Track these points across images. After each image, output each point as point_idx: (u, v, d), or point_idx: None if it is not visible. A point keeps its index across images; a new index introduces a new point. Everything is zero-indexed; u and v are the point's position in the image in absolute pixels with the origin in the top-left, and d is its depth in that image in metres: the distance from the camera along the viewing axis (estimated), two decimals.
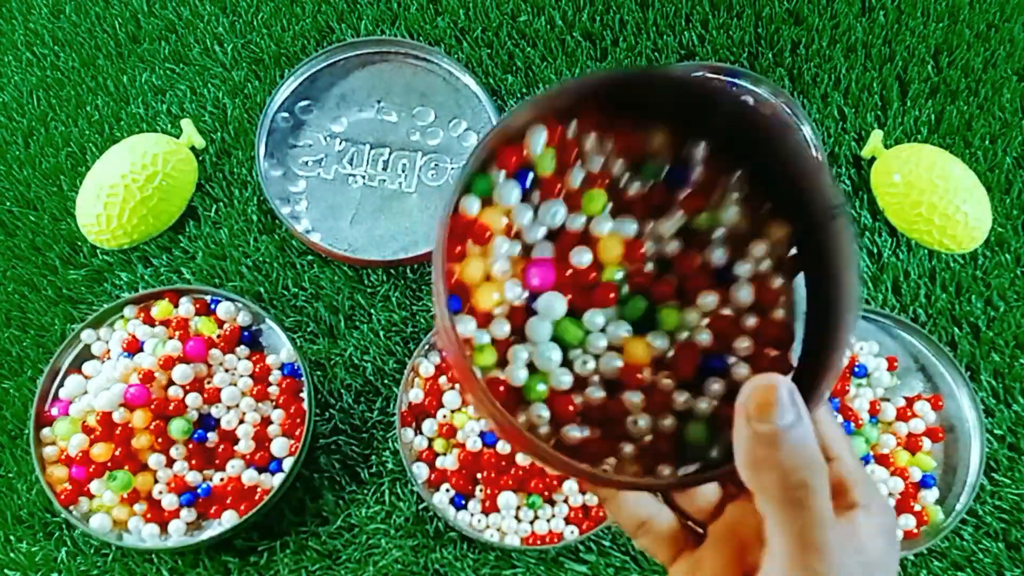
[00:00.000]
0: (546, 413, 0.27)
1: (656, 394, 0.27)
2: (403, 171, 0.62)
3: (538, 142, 0.27)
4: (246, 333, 0.58)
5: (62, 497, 0.53)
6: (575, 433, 0.27)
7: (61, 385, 0.56)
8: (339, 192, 0.61)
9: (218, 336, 0.57)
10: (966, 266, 0.60)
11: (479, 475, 0.54)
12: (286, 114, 0.63)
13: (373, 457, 0.57)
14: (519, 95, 0.64)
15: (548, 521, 0.54)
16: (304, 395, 0.56)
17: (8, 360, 0.59)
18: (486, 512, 0.54)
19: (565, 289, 0.28)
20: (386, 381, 0.58)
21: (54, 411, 0.55)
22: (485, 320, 0.28)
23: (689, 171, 0.28)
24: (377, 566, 0.54)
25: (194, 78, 0.65)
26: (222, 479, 0.54)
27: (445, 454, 0.55)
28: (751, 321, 0.28)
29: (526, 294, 0.28)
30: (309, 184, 0.61)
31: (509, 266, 0.28)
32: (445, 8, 0.66)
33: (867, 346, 0.57)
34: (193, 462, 0.54)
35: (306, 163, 0.62)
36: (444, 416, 0.56)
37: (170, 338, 0.56)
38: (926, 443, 0.56)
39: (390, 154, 0.62)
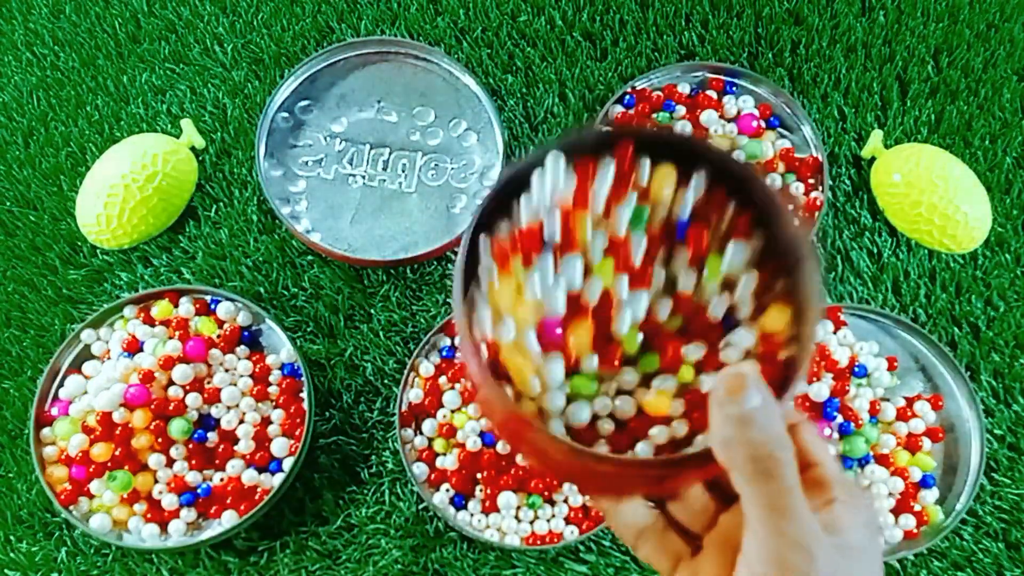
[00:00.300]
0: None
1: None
2: (403, 171, 0.62)
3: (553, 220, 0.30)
4: (246, 333, 0.58)
5: (62, 497, 0.53)
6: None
7: (61, 385, 0.56)
8: (339, 192, 0.61)
9: (218, 336, 0.57)
10: (966, 266, 0.60)
11: (479, 475, 0.54)
12: (286, 114, 0.63)
13: (373, 457, 0.57)
14: (519, 95, 0.64)
15: (548, 521, 0.54)
16: (304, 395, 0.56)
17: (8, 360, 0.59)
18: (486, 512, 0.54)
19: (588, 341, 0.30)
20: (386, 381, 0.58)
21: (54, 411, 0.55)
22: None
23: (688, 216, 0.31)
24: (377, 566, 0.54)
25: (194, 78, 0.65)
26: (222, 479, 0.54)
27: (445, 454, 0.55)
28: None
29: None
30: (309, 184, 0.61)
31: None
32: (445, 8, 0.66)
33: (867, 346, 0.57)
34: (193, 462, 0.54)
35: (306, 163, 0.62)
36: (444, 416, 0.56)
37: (170, 338, 0.56)
38: (926, 443, 0.56)
39: (390, 154, 0.62)
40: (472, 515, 0.54)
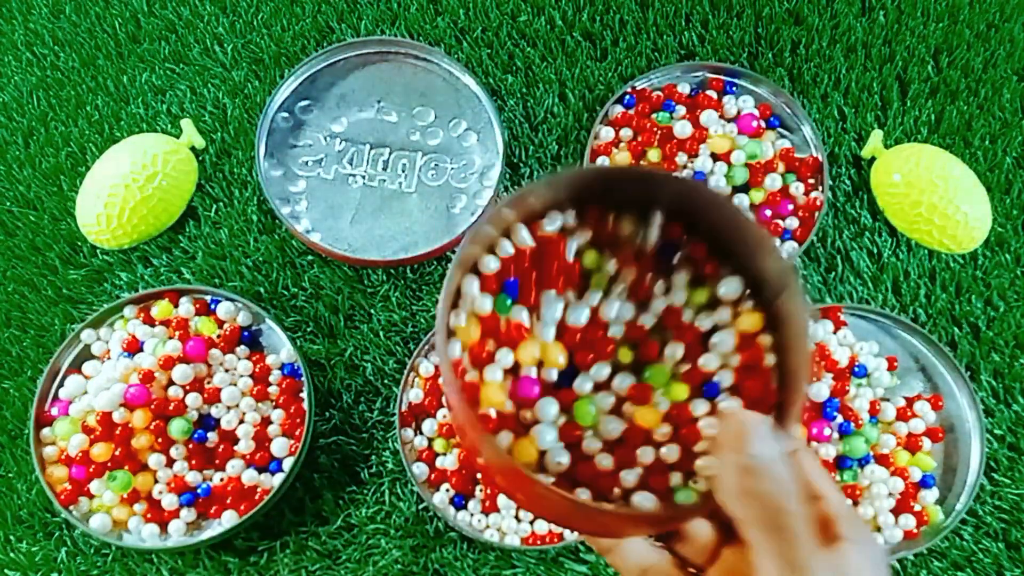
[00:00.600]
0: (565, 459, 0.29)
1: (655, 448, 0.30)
2: (403, 171, 0.62)
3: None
4: (246, 333, 0.58)
5: (62, 497, 0.53)
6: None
7: (61, 385, 0.56)
8: (339, 192, 0.61)
9: (218, 336, 0.57)
10: (966, 266, 0.60)
11: (479, 475, 0.54)
12: (286, 114, 0.63)
13: (373, 457, 0.57)
14: (519, 95, 0.64)
15: (548, 521, 0.54)
16: (304, 395, 0.56)
17: (8, 360, 0.59)
18: (486, 512, 0.54)
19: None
20: (386, 381, 0.58)
21: (54, 411, 0.55)
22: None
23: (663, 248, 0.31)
24: (377, 566, 0.54)
25: (194, 78, 0.65)
26: (222, 479, 0.54)
27: (445, 454, 0.55)
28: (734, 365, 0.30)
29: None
30: (309, 184, 0.61)
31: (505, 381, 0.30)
32: (445, 8, 0.66)
33: (867, 346, 0.57)
34: (193, 462, 0.54)
35: (306, 163, 0.62)
36: (444, 416, 0.56)
37: (170, 338, 0.56)
38: (926, 443, 0.56)
39: (390, 154, 0.62)
40: (472, 515, 0.54)
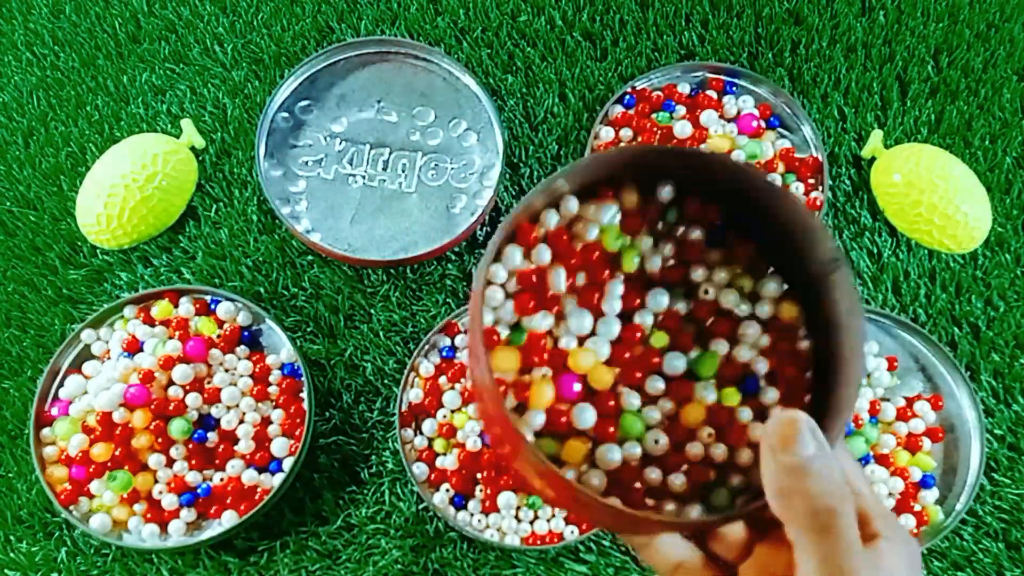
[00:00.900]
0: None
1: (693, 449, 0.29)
2: (403, 171, 0.62)
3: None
4: (246, 333, 0.58)
5: (62, 497, 0.53)
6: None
7: (61, 385, 0.56)
8: (339, 192, 0.61)
9: (218, 336, 0.57)
10: (966, 266, 0.60)
11: (479, 475, 0.54)
12: (286, 114, 0.63)
13: (373, 457, 0.57)
14: (519, 95, 0.64)
15: (548, 521, 0.54)
16: (304, 395, 0.56)
17: (8, 360, 0.59)
18: (486, 512, 0.54)
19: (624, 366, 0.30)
20: (386, 381, 0.58)
21: (54, 411, 0.55)
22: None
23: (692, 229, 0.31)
24: (377, 566, 0.54)
25: (194, 78, 0.65)
26: (222, 479, 0.54)
27: (445, 454, 0.55)
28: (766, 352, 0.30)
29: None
30: (309, 184, 0.61)
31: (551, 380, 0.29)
32: (445, 8, 0.66)
33: (867, 346, 0.57)
34: (193, 462, 0.54)
35: (306, 163, 0.62)
36: (444, 416, 0.56)
37: (170, 338, 0.56)
38: (926, 443, 0.56)
39: (390, 154, 0.62)
40: (472, 515, 0.54)
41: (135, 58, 0.66)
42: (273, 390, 0.56)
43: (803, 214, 0.28)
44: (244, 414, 0.55)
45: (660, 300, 0.30)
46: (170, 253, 0.61)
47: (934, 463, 0.56)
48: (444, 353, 0.57)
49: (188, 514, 0.54)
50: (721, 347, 0.30)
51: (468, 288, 0.60)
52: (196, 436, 0.54)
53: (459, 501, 0.55)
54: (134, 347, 0.56)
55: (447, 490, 0.55)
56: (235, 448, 0.55)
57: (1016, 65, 0.65)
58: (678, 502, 0.28)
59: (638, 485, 0.28)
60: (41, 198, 0.62)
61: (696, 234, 0.31)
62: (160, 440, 0.54)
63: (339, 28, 0.66)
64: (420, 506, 0.55)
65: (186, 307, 0.57)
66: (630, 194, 0.31)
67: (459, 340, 0.57)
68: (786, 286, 0.30)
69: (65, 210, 0.62)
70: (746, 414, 0.29)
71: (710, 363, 0.29)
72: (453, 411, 0.56)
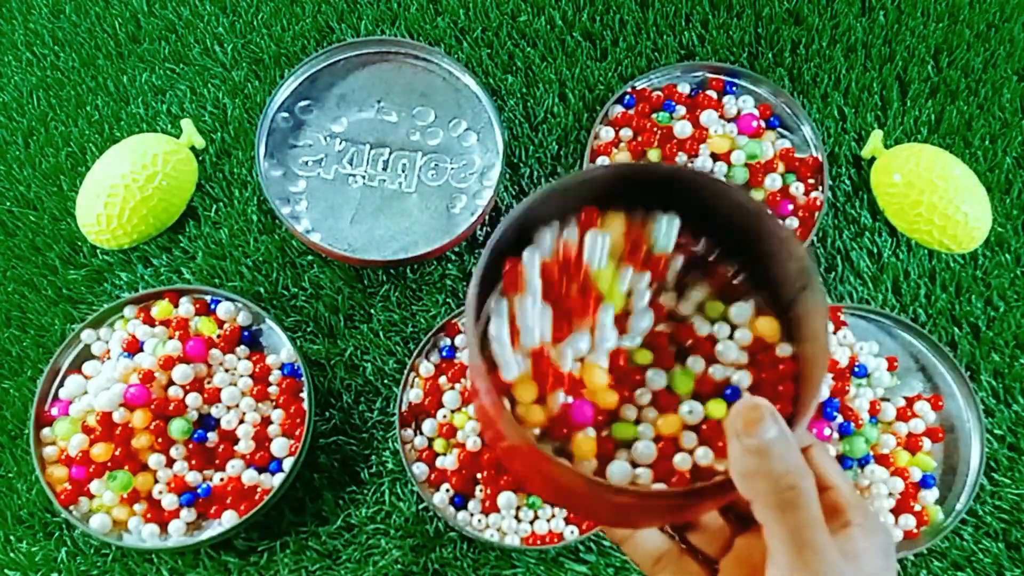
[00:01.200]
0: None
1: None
2: (403, 171, 0.62)
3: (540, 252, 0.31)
4: (246, 333, 0.58)
5: (62, 497, 0.53)
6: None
7: (61, 385, 0.56)
8: (339, 192, 0.61)
9: (218, 336, 0.57)
10: (966, 266, 0.60)
11: (479, 475, 0.54)
12: (286, 114, 0.63)
13: (373, 457, 0.57)
14: (519, 95, 0.64)
15: (548, 521, 0.54)
16: (304, 395, 0.56)
17: (8, 360, 0.59)
18: (486, 512, 0.54)
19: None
20: (386, 381, 0.58)
21: (54, 411, 0.55)
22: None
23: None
24: (377, 566, 0.54)
25: (194, 78, 0.65)
26: (222, 479, 0.54)
27: (445, 454, 0.55)
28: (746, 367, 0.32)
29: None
30: (309, 184, 0.61)
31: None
32: (445, 8, 0.66)
33: (867, 346, 0.57)
34: (193, 462, 0.54)
35: (306, 163, 0.62)
36: (444, 416, 0.56)
37: (170, 338, 0.56)
38: (926, 443, 0.56)
39: (390, 154, 0.62)
40: (472, 515, 0.54)
41: (135, 58, 0.66)
42: (273, 390, 0.56)
43: (777, 230, 0.30)
44: (244, 414, 0.55)
45: (644, 322, 0.31)
46: (170, 253, 0.61)
47: (934, 463, 0.56)
48: (444, 353, 0.57)
49: (188, 514, 0.54)
50: (698, 364, 0.31)
51: (468, 288, 0.60)
52: (196, 436, 0.54)
53: (459, 501, 0.55)
54: (134, 347, 0.56)
55: (447, 490, 0.55)
56: (235, 448, 0.55)
57: (1016, 65, 0.65)
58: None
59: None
60: (41, 198, 0.62)
61: (677, 263, 0.32)
62: (160, 440, 0.54)
63: (339, 28, 0.66)
64: (420, 506, 0.55)
65: (186, 307, 0.57)
66: (616, 221, 0.32)
67: (459, 340, 0.57)
68: (756, 306, 0.32)
69: (65, 210, 0.62)
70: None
71: (684, 380, 0.31)
72: (453, 411, 0.56)
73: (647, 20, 0.66)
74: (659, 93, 0.62)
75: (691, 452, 0.30)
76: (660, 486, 0.29)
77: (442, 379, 0.56)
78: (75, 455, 0.53)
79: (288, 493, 0.55)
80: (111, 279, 0.60)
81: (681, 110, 0.62)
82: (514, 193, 0.63)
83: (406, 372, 0.56)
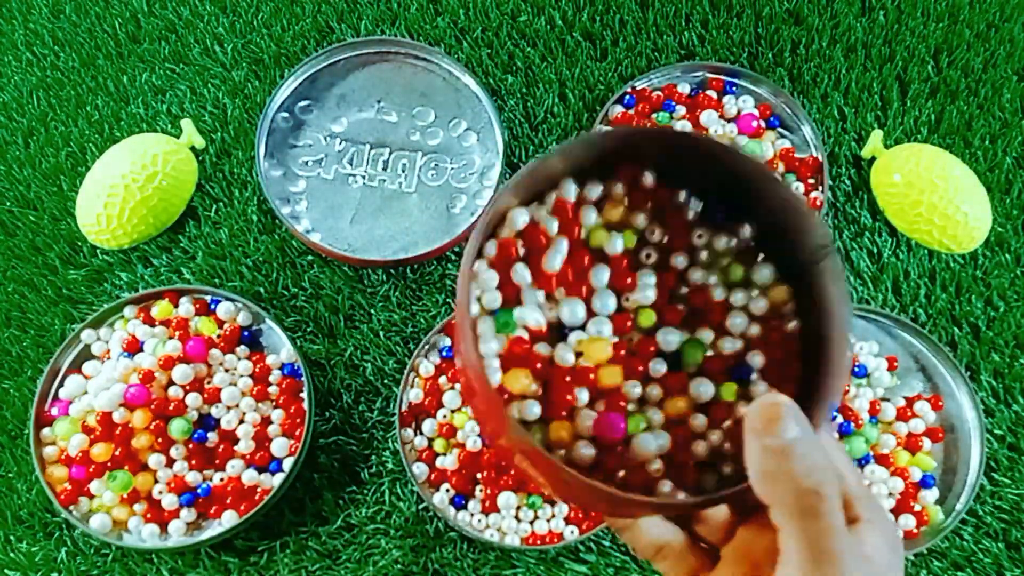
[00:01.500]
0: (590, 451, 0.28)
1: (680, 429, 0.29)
2: (403, 171, 0.62)
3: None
4: (246, 333, 0.58)
5: (62, 497, 0.53)
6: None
7: (61, 385, 0.56)
8: (339, 192, 0.61)
9: (218, 336, 0.57)
10: (966, 266, 0.60)
11: (479, 475, 0.54)
12: (286, 114, 0.63)
13: (373, 457, 0.57)
14: (519, 95, 0.64)
15: (548, 521, 0.54)
16: (304, 395, 0.56)
17: (8, 360, 0.59)
18: (486, 512, 0.54)
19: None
20: (386, 381, 0.58)
21: (54, 411, 0.55)
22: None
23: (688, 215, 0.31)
24: (377, 566, 0.54)
25: (194, 78, 0.65)
26: (222, 479, 0.54)
27: (445, 454, 0.55)
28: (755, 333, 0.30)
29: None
30: (309, 184, 0.61)
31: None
32: (445, 8, 0.66)
33: (867, 346, 0.57)
34: (193, 462, 0.54)
35: (306, 163, 0.62)
36: (444, 416, 0.56)
37: (170, 338, 0.56)
38: (926, 443, 0.56)
39: (390, 154, 0.62)
40: (472, 515, 0.54)
41: (135, 58, 0.66)
42: (273, 390, 0.56)
43: (794, 199, 0.28)
44: (244, 414, 0.55)
45: (649, 282, 0.30)
46: (170, 253, 0.61)
47: (934, 463, 0.56)
48: (444, 353, 0.57)
49: (188, 514, 0.54)
50: (707, 336, 0.30)
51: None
52: (196, 436, 0.54)
53: (459, 501, 0.55)
54: (134, 347, 0.56)
55: (447, 490, 0.55)
56: (235, 448, 0.55)
57: (1016, 65, 0.65)
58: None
59: (622, 474, 0.28)
60: (41, 198, 0.62)
61: (691, 214, 0.31)
62: (160, 440, 0.54)
63: (339, 28, 0.66)
64: (420, 506, 0.55)
65: (186, 307, 0.57)
66: (617, 183, 0.31)
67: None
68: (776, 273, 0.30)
69: (65, 210, 0.62)
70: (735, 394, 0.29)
71: (695, 351, 0.29)
72: (453, 411, 0.56)
73: (647, 20, 0.66)
74: (659, 93, 0.62)
75: (703, 437, 0.28)
76: (679, 493, 0.27)
77: (442, 379, 0.56)
78: (75, 455, 0.53)
79: (288, 493, 0.55)
80: (111, 279, 0.60)
81: (681, 110, 0.62)
82: None
83: (406, 372, 0.56)
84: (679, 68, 0.63)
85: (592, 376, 0.29)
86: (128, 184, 0.58)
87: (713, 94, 0.62)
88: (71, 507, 0.53)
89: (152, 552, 0.54)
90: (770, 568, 0.26)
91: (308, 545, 0.55)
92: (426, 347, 0.57)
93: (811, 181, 0.61)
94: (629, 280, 0.30)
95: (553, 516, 0.54)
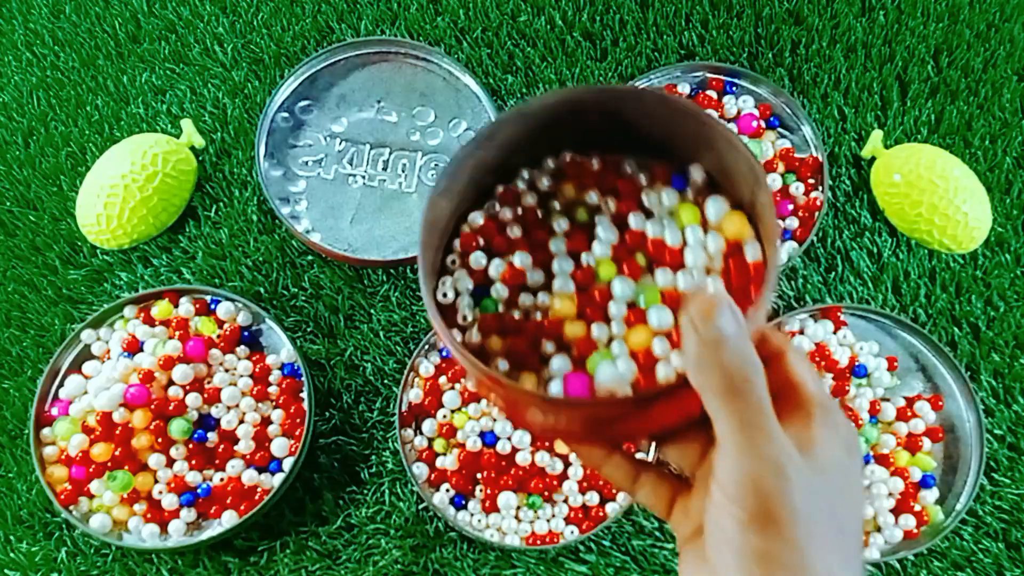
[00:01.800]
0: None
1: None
2: (403, 171, 0.62)
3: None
4: (246, 333, 0.58)
5: (62, 497, 0.53)
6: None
7: (61, 385, 0.56)
8: (339, 192, 0.61)
9: (218, 336, 0.57)
10: (966, 266, 0.60)
11: (479, 475, 0.54)
12: (286, 114, 0.63)
13: (373, 457, 0.57)
14: (519, 95, 0.64)
15: (548, 521, 0.54)
16: (304, 395, 0.56)
17: (8, 360, 0.59)
18: (486, 512, 0.54)
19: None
20: (386, 381, 0.58)
21: (54, 411, 0.55)
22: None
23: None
24: (377, 566, 0.54)
25: (194, 78, 0.65)
26: (222, 479, 0.54)
27: (445, 454, 0.55)
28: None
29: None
30: (309, 184, 0.61)
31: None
32: (445, 8, 0.66)
33: (867, 346, 0.57)
34: (193, 462, 0.54)
35: (306, 163, 0.62)
36: (444, 416, 0.56)
37: (170, 338, 0.56)
38: (926, 443, 0.56)
39: (390, 154, 0.62)
40: (472, 515, 0.54)
41: (135, 58, 0.66)
42: (273, 390, 0.56)
43: (725, 133, 0.30)
44: (244, 414, 0.55)
45: (605, 238, 0.32)
46: (170, 253, 0.61)
47: (934, 463, 0.56)
48: (444, 353, 0.57)
49: (188, 514, 0.54)
50: (666, 277, 0.31)
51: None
52: (196, 436, 0.54)
53: (459, 501, 0.55)
54: (134, 347, 0.56)
55: (447, 490, 0.55)
56: (235, 448, 0.55)
57: (1016, 65, 0.65)
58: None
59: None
60: (41, 198, 0.62)
61: (641, 177, 0.33)
62: (160, 440, 0.54)
63: (339, 28, 0.66)
64: (420, 506, 0.55)
65: (186, 307, 0.57)
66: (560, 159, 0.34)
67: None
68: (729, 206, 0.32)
69: (65, 210, 0.62)
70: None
71: (651, 293, 0.31)
72: (453, 411, 0.56)
73: (647, 20, 0.66)
74: None
75: (667, 360, 0.30)
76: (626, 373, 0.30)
77: (442, 379, 0.56)
78: (75, 455, 0.53)
79: (288, 493, 0.55)
80: (111, 279, 0.60)
81: None
82: None
83: (406, 372, 0.56)
84: (679, 68, 0.63)
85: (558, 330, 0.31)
86: (128, 184, 0.58)
87: (713, 94, 0.62)
88: (71, 507, 0.53)
89: (152, 552, 0.54)
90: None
91: (308, 545, 0.55)
92: (426, 347, 0.57)
93: (811, 181, 0.61)
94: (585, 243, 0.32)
95: (553, 516, 0.54)
